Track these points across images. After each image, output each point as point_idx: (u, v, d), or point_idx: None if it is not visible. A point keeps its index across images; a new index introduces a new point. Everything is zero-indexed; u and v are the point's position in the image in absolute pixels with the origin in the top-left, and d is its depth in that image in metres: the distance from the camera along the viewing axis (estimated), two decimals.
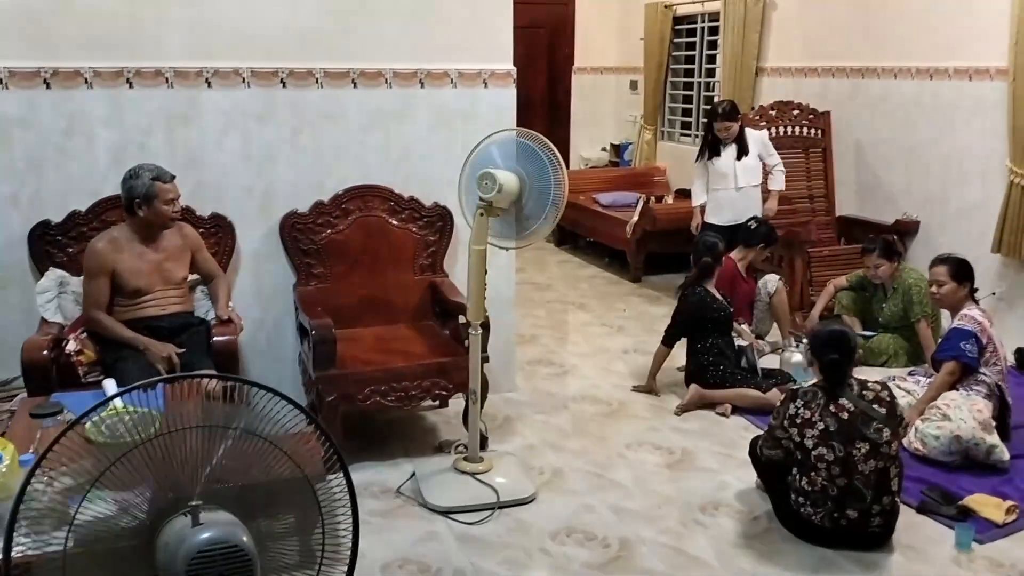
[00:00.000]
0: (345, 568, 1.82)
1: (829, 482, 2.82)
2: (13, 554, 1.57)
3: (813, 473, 2.85)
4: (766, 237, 4.84)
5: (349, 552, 1.80)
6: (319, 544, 1.75)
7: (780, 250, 5.37)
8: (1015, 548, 2.92)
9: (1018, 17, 4.52)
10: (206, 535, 1.56)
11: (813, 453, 2.83)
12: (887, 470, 2.84)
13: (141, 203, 3.19)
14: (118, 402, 1.73)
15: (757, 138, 5.22)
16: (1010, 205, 4.64)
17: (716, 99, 7.31)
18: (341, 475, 1.77)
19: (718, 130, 5.12)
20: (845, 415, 2.83)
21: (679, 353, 4.30)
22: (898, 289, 4.59)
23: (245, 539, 1.57)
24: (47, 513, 1.58)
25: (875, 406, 2.86)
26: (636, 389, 4.29)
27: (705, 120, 5.31)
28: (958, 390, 3.60)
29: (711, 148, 5.18)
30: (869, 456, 2.80)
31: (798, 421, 2.87)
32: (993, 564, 2.83)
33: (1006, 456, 3.39)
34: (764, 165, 5.22)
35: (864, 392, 2.89)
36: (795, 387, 3.08)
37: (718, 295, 4.27)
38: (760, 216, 5.06)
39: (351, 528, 1.80)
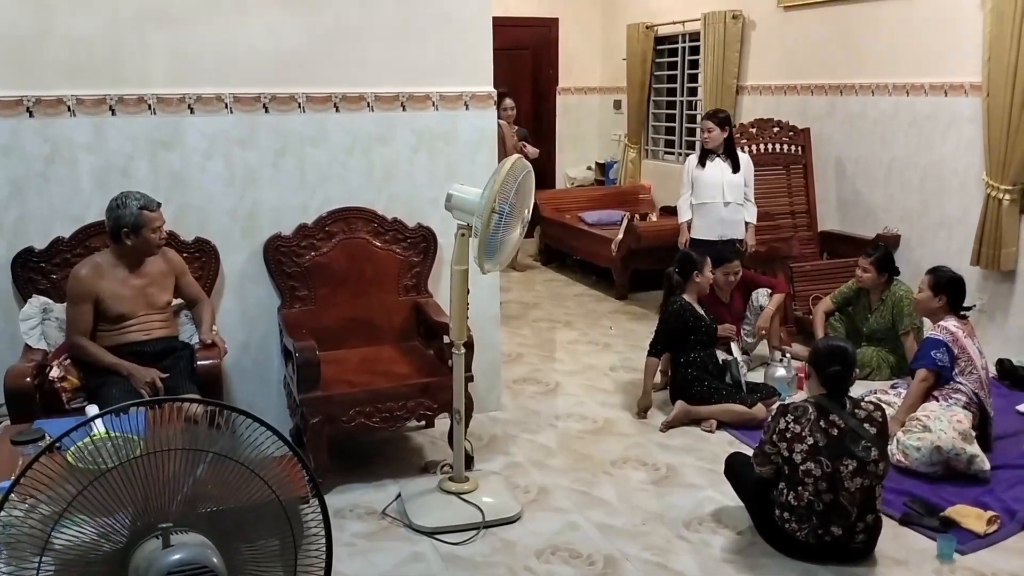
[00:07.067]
0: None
1: (815, 497, 2.84)
2: None
3: (800, 488, 2.86)
4: (720, 257, 4.68)
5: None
6: (297, 568, 1.75)
7: (763, 265, 5.41)
8: (996, 559, 2.94)
9: (991, 34, 4.60)
10: (176, 556, 1.56)
11: (801, 468, 2.84)
12: (873, 488, 2.86)
13: (129, 232, 3.20)
14: (100, 428, 1.73)
15: (747, 161, 5.18)
16: (987, 218, 4.71)
17: (699, 118, 7.39)
18: (316, 500, 1.77)
19: (701, 130, 5.11)
20: (835, 431, 2.84)
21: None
22: (886, 301, 4.63)
23: (216, 560, 1.57)
24: (25, 539, 1.58)
25: (866, 425, 2.86)
26: (639, 414, 4.19)
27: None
28: (937, 401, 3.64)
29: (700, 156, 5.12)
30: (856, 473, 2.81)
31: (788, 435, 2.88)
32: (975, 575, 2.85)
33: (987, 466, 3.42)
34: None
35: (856, 411, 2.90)
36: (786, 402, 3.10)
37: (699, 309, 4.29)
38: (741, 242, 5.06)
39: (324, 552, 1.80)
